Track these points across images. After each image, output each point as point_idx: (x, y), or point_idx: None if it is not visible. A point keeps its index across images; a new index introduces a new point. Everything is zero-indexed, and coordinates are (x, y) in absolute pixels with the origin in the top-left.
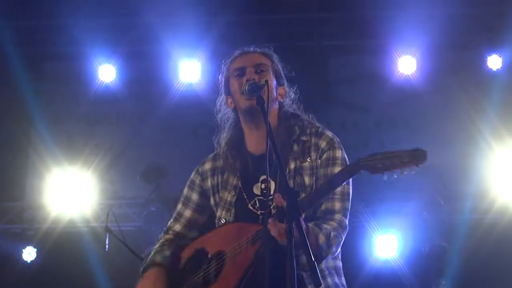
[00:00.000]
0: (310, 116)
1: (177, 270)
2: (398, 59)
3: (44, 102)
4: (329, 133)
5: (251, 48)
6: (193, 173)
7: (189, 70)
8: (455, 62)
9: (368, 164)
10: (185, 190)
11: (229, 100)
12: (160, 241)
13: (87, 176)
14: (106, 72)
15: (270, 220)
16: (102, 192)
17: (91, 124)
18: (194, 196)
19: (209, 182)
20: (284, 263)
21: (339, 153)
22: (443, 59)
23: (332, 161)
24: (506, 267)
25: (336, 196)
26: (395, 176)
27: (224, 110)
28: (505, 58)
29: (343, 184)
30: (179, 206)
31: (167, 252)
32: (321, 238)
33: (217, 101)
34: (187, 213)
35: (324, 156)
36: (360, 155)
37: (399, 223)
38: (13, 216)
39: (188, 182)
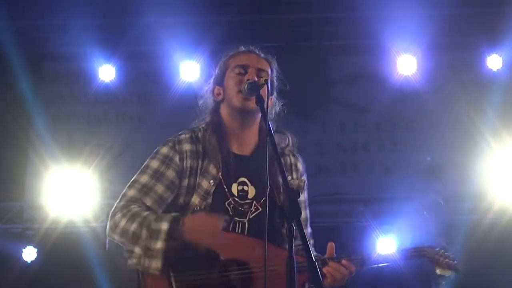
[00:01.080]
0: (290, 135)
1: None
2: (398, 59)
3: (44, 102)
4: (300, 157)
5: (257, 50)
6: (167, 148)
7: (189, 70)
8: (455, 62)
9: (434, 257)
10: (155, 164)
11: (217, 91)
12: (134, 208)
13: (87, 176)
14: (106, 72)
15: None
16: (102, 192)
17: (91, 124)
18: (170, 173)
19: (188, 163)
20: None
21: (306, 179)
22: (443, 59)
23: (306, 186)
24: (506, 267)
25: (308, 222)
26: (441, 273)
27: (206, 98)
28: (505, 58)
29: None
30: (146, 178)
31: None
32: None
33: (203, 86)
34: (159, 188)
35: (303, 179)
36: (360, 157)
37: (399, 223)
38: (13, 216)
39: (159, 156)
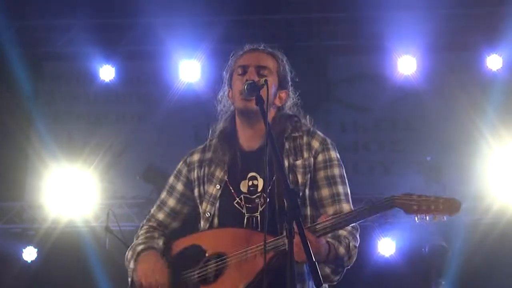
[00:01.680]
0: (308, 117)
1: (170, 262)
2: (398, 59)
3: (44, 102)
4: (320, 134)
5: (261, 46)
6: (181, 162)
7: (189, 70)
8: (455, 62)
9: (404, 203)
10: (171, 179)
11: (231, 93)
12: (144, 227)
13: (87, 175)
14: (106, 72)
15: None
16: (102, 192)
17: (91, 124)
18: (179, 186)
19: (195, 173)
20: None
21: (334, 154)
22: (443, 59)
23: (329, 162)
24: (505, 267)
25: (342, 198)
26: (427, 219)
27: (224, 102)
28: (505, 58)
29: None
30: (163, 194)
31: (160, 241)
32: (341, 251)
33: (220, 91)
34: (171, 202)
35: (320, 157)
36: (360, 157)
37: (399, 223)
38: (13, 216)
39: (174, 171)
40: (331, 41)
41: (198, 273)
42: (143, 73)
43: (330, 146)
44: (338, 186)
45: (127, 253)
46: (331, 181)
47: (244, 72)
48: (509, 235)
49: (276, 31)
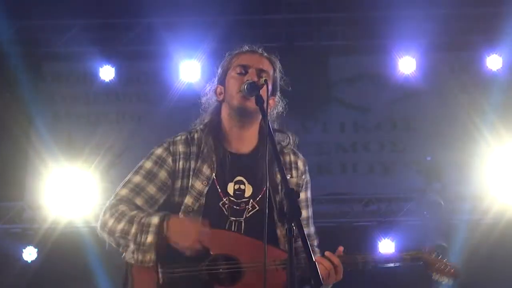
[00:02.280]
0: (291, 133)
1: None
2: (398, 59)
3: (44, 102)
4: (300, 155)
5: (260, 49)
6: (161, 149)
7: (189, 70)
8: (455, 62)
9: (429, 260)
10: (148, 164)
11: (219, 90)
12: (122, 206)
13: (87, 175)
14: (106, 72)
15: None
16: (103, 192)
17: (91, 124)
18: (162, 174)
19: (180, 164)
20: None
21: (309, 178)
22: (443, 59)
23: (308, 185)
24: (505, 267)
25: (311, 222)
26: (437, 279)
27: (210, 96)
28: (505, 58)
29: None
30: (138, 178)
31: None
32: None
33: (207, 84)
34: (151, 189)
35: (304, 178)
36: (360, 157)
37: (399, 223)
38: (13, 216)
39: (153, 157)
40: (331, 41)
41: (207, 271)
42: (143, 73)
43: (307, 168)
44: (310, 209)
45: (113, 227)
46: (308, 204)
47: (245, 72)
48: (509, 235)
49: (276, 31)
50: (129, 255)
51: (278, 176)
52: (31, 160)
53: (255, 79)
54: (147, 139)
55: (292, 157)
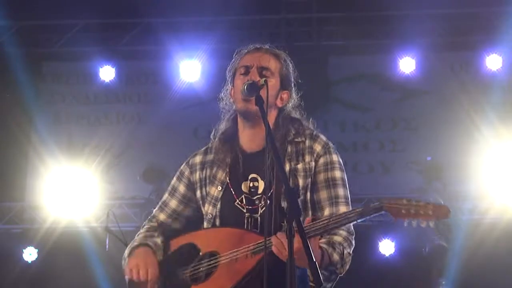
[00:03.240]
0: (311, 120)
1: (165, 259)
2: (398, 59)
3: (44, 102)
4: (323, 137)
5: (266, 45)
6: (183, 164)
7: (189, 70)
8: (455, 62)
9: (392, 207)
10: (173, 180)
11: (233, 92)
12: (145, 227)
13: (87, 176)
14: (106, 72)
15: (274, 237)
16: (102, 192)
17: (91, 124)
18: (181, 188)
19: (197, 175)
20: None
21: (336, 158)
22: (443, 59)
23: (330, 165)
24: (506, 267)
25: (340, 200)
26: (413, 224)
27: (226, 100)
28: (505, 58)
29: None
30: (166, 195)
31: (158, 240)
32: (335, 258)
33: (223, 88)
34: (173, 203)
35: (321, 160)
36: (360, 157)
37: (399, 223)
38: (14, 216)
39: (177, 173)
40: (331, 41)
41: (190, 271)
42: (143, 73)
43: (332, 149)
44: (338, 188)
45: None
46: (331, 183)
47: (247, 72)
48: (509, 235)
49: (276, 31)
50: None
51: (287, 167)
52: (31, 161)
53: (257, 78)
54: (147, 140)
55: (308, 142)
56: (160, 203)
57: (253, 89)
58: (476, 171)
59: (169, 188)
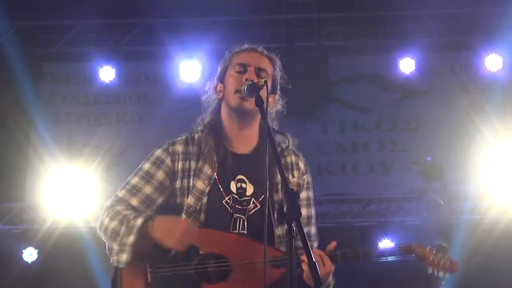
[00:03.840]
0: (290, 136)
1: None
2: (398, 59)
3: (44, 102)
4: (302, 156)
5: (260, 47)
6: (160, 150)
7: (189, 70)
8: (455, 62)
9: (422, 254)
10: (147, 166)
11: (219, 87)
12: (118, 207)
13: (87, 176)
14: (106, 73)
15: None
16: (102, 192)
17: (91, 124)
18: (160, 175)
19: (179, 165)
20: None
21: (311, 178)
22: (443, 59)
23: (310, 185)
24: (506, 267)
25: (313, 221)
26: (432, 273)
27: (210, 94)
28: (505, 59)
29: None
30: (136, 179)
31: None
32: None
33: (207, 82)
34: (147, 189)
35: (305, 179)
36: (360, 157)
37: (399, 223)
38: (14, 217)
39: (152, 158)
40: (331, 41)
41: (195, 268)
42: (143, 74)
43: (308, 169)
44: (313, 208)
45: (106, 226)
46: (309, 203)
47: (244, 71)
48: (509, 235)
49: (276, 31)
50: (114, 258)
51: (278, 176)
52: (31, 161)
53: (254, 78)
54: (147, 140)
55: (293, 158)
56: (128, 186)
57: (253, 89)
58: (476, 171)
59: (141, 173)
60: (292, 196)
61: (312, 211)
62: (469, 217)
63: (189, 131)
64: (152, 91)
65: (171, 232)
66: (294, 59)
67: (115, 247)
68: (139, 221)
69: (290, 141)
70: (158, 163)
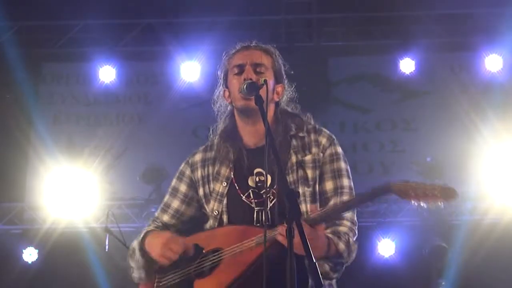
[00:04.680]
0: (307, 115)
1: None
2: (398, 59)
3: (44, 102)
4: (326, 131)
5: (253, 43)
6: (183, 164)
7: (189, 70)
8: (455, 62)
9: (400, 188)
10: (174, 181)
11: (226, 93)
12: (150, 227)
13: (87, 176)
14: (106, 73)
15: (280, 226)
16: (102, 193)
17: (91, 124)
18: (183, 187)
19: (199, 173)
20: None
21: (340, 150)
22: (443, 59)
23: (336, 156)
24: (505, 267)
25: (345, 191)
26: (423, 205)
27: (220, 102)
28: (505, 59)
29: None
30: (167, 197)
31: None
32: (341, 247)
33: (215, 91)
34: (175, 203)
35: (328, 152)
36: (360, 157)
37: (399, 223)
38: (14, 217)
39: (177, 173)
40: (331, 41)
41: (194, 268)
42: (143, 74)
43: (335, 142)
44: (343, 179)
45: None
46: (336, 174)
47: (241, 71)
48: (509, 235)
49: (276, 31)
50: (132, 275)
51: (292, 158)
52: (31, 161)
53: (252, 75)
54: (147, 140)
55: (313, 136)
56: (161, 205)
57: (253, 88)
58: (476, 172)
59: (170, 190)
60: (291, 195)
61: (341, 182)
62: (469, 217)
63: (210, 140)
64: (152, 92)
65: (154, 246)
66: (294, 59)
67: (132, 264)
68: (139, 238)
69: (304, 121)
70: (180, 176)
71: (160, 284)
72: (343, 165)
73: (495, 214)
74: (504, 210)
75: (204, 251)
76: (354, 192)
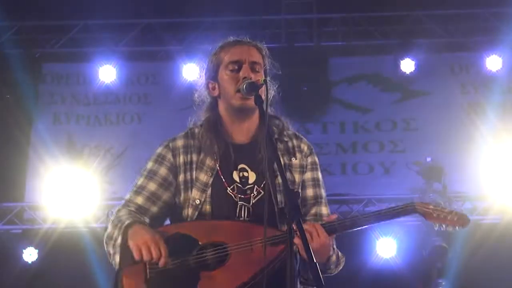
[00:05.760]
0: (286, 120)
1: None
2: (399, 60)
3: (44, 102)
4: (304, 138)
5: (246, 38)
6: (161, 147)
7: (189, 70)
8: (455, 63)
9: (425, 211)
10: (150, 164)
11: (211, 86)
12: (122, 211)
13: (87, 176)
14: (106, 73)
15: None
16: (102, 192)
17: (91, 124)
18: (162, 171)
19: (181, 159)
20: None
21: (317, 160)
22: (443, 60)
23: (315, 165)
24: (505, 267)
25: (323, 201)
26: (442, 228)
27: (202, 92)
28: (504, 59)
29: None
30: (141, 179)
31: (146, 220)
32: (333, 259)
33: (198, 80)
34: (151, 186)
35: (309, 160)
36: (360, 157)
37: (399, 223)
38: (14, 217)
39: (154, 156)
40: (331, 41)
41: (195, 259)
42: (143, 74)
43: (314, 151)
44: (321, 189)
45: (106, 233)
46: (316, 183)
47: (238, 68)
48: (509, 235)
49: (276, 31)
50: (112, 262)
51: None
52: (31, 161)
53: (250, 75)
54: (147, 140)
55: (295, 142)
56: (134, 188)
57: (253, 88)
58: (476, 172)
59: (145, 173)
60: (292, 196)
61: (320, 191)
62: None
63: (188, 127)
64: (152, 92)
65: (145, 241)
66: (294, 60)
67: (111, 250)
68: (126, 223)
69: (284, 125)
70: (160, 159)
71: (156, 270)
72: (320, 175)
73: (495, 214)
74: (504, 210)
75: (200, 243)
76: (327, 202)
